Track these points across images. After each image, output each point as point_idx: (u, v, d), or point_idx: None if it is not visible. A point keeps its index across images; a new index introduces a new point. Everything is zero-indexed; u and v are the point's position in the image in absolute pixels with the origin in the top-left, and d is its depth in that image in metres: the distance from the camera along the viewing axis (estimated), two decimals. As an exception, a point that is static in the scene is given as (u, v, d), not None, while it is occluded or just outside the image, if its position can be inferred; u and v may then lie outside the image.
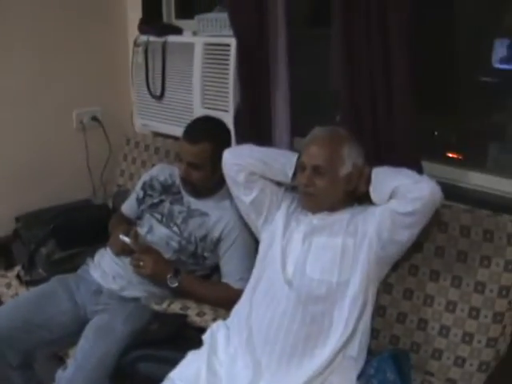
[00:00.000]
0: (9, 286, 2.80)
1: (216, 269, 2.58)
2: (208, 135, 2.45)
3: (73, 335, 2.38)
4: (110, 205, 3.27)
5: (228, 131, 2.59)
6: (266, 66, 2.67)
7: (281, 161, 2.25)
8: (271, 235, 2.22)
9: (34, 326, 2.39)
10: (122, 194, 3.13)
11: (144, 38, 3.26)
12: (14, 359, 2.37)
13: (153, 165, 3.03)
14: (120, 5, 3.51)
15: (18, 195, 3.20)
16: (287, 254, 2.13)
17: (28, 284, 2.76)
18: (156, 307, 2.45)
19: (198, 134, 2.45)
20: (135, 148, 3.34)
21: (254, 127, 2.73)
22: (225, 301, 2.37)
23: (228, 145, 2.49)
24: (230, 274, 2.48)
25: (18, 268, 2.88)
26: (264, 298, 2.08)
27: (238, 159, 2.27)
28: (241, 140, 2.70)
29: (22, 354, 2.38)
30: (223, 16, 2.82)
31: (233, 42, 2.76)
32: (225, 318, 2.25)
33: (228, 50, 2.82)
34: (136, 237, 2.49)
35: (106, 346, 2.23)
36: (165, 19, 3.49)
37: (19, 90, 3.14)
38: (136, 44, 3.31)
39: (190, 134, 2.47)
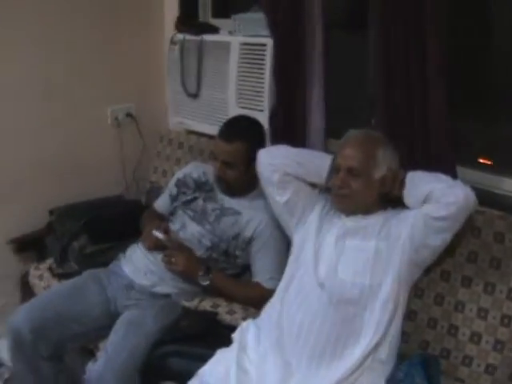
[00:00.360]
0: (41, 277, 2.85)
1: (247, 268, 2.59)
2: (243, 134, 2.47)
3: (103, 329, 2.41)
4: (143, 201, 3.30)
5: (263, 131, 2.60)
6: (302, 67, 2.68)
7: (315, 162, 2.26)
8: (304, 237, 2.23)
9: (65, 319, 2.42)
10: (155, 191, 3.15)
11: (180, 36, 3.28)
12: (46, 350, 2.40)
13: (186, 162, 3.04)
14: (157, 3, 3.52)
15: (52, 189, 3.23)
16: (320, 255, 2.14)
17: (60, 277, 2.80)
18: (186, 304, 2.46)
19: (233, 133, 2.47)
20: (169, 145, 3.36)
21: (289, 128, 2.73)
22: (255, 300, 2.38)
23: (263, 145, 2.50)
24: (261, 273, 2.49)
25: (50, 260, 2.92)
26: (295, 299, 2.09)
27: (273, 159, 2.28)
28: (275, 140, 2.71)
29: (53, 345, 2.41)
30: (259, 16, 2.82)
31: (269, 41, 2.77)
32: (255, 316, 2.26)
33: (264, 50, 2.83)
34: (168, 233, 2.52)
35: (136, 340, 2.26)
36: (201, 18, 3.50)
37: (56, 84, 3.17)
38: (172, 42, 3.33)
39: (225, 133, 2.49)
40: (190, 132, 3.39)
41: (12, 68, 3.00)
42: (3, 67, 2.97)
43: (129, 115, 3.48)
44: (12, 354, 2.44)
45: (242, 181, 2.52)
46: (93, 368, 2.25)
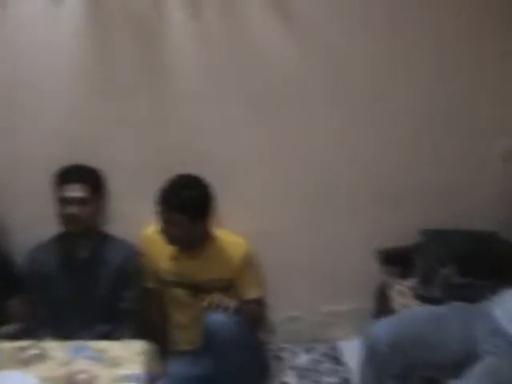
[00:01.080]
0: (402, 294, 2.90)
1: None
2: None
3: (456, 365, 2.37)
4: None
5: None
6: None
7: None
8: None
9: (423, 343, 2.44)
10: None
11: None
12: (395, 368, 2.44)
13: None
14: None
15: (426, 210, 3.27)
16: None
17: (421, 299, 2.82)
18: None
19: None
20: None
21: None
22: None
23: None
24: None
25: (413, 280, 2.96)
26: None
27: None
28: None
29: (404, 365, 2.44)
30: None
31: None
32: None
33: None
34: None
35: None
36: None
37: (450, 107, 3.23)
38: None
39: None
40: None
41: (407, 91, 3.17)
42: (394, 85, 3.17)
43: (517, 152, 3.33)
44: (363, 361, 2.54)
45: None
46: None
